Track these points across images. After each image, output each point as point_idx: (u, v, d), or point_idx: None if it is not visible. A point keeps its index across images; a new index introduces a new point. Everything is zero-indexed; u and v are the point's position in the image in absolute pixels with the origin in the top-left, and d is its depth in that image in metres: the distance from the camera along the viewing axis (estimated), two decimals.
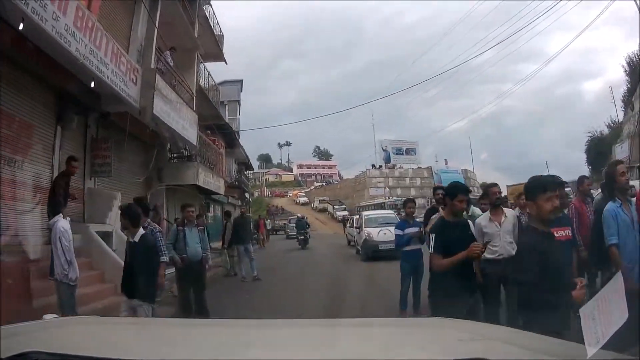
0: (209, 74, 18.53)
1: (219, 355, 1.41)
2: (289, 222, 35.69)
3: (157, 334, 1.94)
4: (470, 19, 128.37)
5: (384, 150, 57.29)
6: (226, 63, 21.24)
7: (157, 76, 11.16)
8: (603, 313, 1.24)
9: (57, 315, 2.14)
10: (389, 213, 16.70)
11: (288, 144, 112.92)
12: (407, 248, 6.55)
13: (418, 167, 56.58)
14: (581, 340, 1.20)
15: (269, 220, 29.40)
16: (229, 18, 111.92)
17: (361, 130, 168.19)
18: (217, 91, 20.13)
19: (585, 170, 45.36)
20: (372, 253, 13.67)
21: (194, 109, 14.77)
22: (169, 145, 14.95)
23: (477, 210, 5.67)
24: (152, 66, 11.51)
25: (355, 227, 16.27)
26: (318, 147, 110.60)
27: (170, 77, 12.99)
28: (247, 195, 37.37)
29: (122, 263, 5.37)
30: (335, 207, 52.69)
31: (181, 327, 2.18)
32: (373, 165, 57.34)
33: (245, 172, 36.85)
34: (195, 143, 14.06)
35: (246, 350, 1.57)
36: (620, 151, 22.27)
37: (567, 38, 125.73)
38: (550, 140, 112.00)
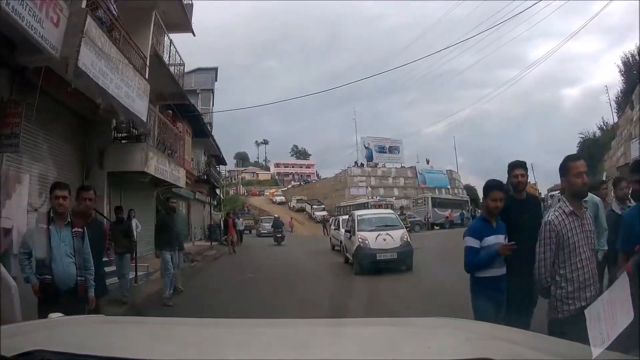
0: (170, 42, 15.38)
1: (226, 355, 1.42)
2: (262, 222, 36.60)
3: (162, 333, 1.84)
4: (450, 25, 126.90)
5: (366, 147, 54.59)
6: (194, 35, 18.20)
7: (90, 20, 8.32)
8: (608, 314, 1.24)
9: (62, 314, 2.05)
10: (388, 213, 13.60)
11: (265, 142, 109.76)
12: (486, 273, 3.55)
13: (401, 167, 54.33)
14: (586, 341, 1.18)
15: (240, 219, 26.04)
16: (208, 17, 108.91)
17: (340, 131, 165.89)
18: (182, 66, 16.95)
19: None
20: (369, 265, 10.79)
21: (147, 77, 11.72)
22: (114, 121, 11.92)
23: (594, 197, 4.88)
24: (84, 6, 8.49)
25: (345, 230, 13.17)
26: (296, 147, 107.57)
27: (112, 29, 9.99)
28: (218, 191, 34.18)
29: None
30: (314, 207, 50.44)
31: (188, 326, 2.03)
32: (356, 163, 54.63)
33: (218, 167, 33.71)
34: (144, 119, 10.99)
35: (252, 349, 1.53)
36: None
37: (546, 44, 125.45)
38: (529, 146, 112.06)
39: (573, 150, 39.20)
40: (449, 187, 53.48)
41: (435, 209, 35.17)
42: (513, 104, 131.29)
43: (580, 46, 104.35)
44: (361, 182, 50.14)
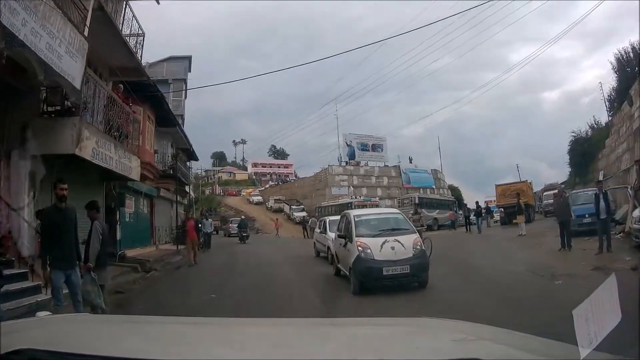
0: (126, 4, 12.61)
1: (214, 355, 1.38)
2: (231, 222, 37.43)
3: (150, 331, 1.80)
4: (427, 25, 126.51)
5: (348, 145, 52.01)
6: (158, 3, 15.61)
7: None
8: (596, 314, 1.19)
9: (49, 313, 2.03)
10: (394, 213, 10.76)
11: (243, 142, 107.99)
12: None
13: (385, 165, 52.11)
14: (575, 341, 1.13)
15: (210, 220, 23.09)
16: (186, 17, 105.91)
17: (318, 133, 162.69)
18: (141, 37, 14.20)
19: (565, 173, 43.37)
20: (373, 281, 8.27)
21: (85, 34, 9.00)
22: (45, 91, 9.19)
23: None
24: None
25: (338, 235, 10.51)
26: (274, 147, 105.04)
27: None
28: (187, 188, 31.24)
29: None
30: (293, 207, 47.97)
31: (176, 325, 1.99)
32: (339, 160, 52.18)
33: (188, 163, 30.76)
34: (77, 85, 8.22)
35: (243, 349, 1.49)
36: None
37: (526, 48, 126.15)
38: (508, 148, 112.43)
39: (561, 150, 38.62)
40: (434, 187, 51.69)
41: (423, 210, 33.04)
42: (493, 106, 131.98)
43: (559, 51, 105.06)
44: (343, 181, 47.59)
